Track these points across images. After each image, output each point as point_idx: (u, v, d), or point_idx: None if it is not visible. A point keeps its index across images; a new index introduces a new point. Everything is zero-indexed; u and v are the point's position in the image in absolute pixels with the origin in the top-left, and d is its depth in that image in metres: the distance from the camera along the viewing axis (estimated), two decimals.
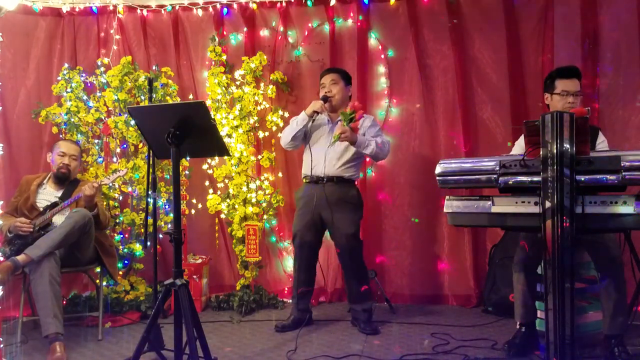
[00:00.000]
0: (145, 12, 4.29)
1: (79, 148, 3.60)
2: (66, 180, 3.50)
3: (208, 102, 4.03)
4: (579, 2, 3.76)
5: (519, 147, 2.98)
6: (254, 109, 4.03)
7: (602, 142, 2.87)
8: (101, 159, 4.02)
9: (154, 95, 3.91)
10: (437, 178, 2.37)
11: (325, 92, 3.43)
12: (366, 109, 4.07)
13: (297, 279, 3.51)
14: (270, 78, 4.10)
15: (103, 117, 4.00)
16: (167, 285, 2.35)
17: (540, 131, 2.08)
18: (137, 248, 3.90)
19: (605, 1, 3.73)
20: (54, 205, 3.35)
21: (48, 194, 3.47)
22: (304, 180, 3.48)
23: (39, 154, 4.13)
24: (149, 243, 3.37)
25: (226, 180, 4.06)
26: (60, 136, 3.95)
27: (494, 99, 3.93)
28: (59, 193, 3.47)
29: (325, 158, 3.38)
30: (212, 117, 2.51)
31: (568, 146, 2.02)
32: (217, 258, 4.28)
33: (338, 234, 3.38)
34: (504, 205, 2.23)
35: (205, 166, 4.17)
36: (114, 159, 4.03)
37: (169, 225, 3.93)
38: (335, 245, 3.47)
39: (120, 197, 4.02)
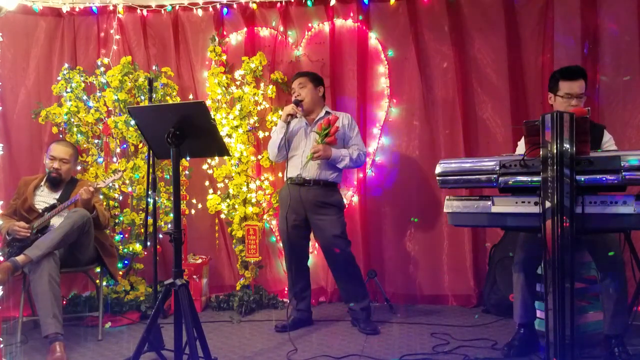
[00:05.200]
0: (145, 12, 4.28)
1: (71, 150, 3.53)
2: (60, 183, 3.49)
3: (208, 102, 4.03)
4: (579, 2, 3.75)
5: (521, 147, 2.97)
6: (254, 109, 4.03)
7: (608, 141, 2.85)
8: (101, 159, 4.01)
9: (154, 95, 3.91)
10: (437, 178, 2.37)
11: (295, 97, 3.46)
12: (366, 109, 4.08)
13: (291, 280, 3.52)
14: (270, 78, 4.10)
15: (103, 117, 4.00)
16: (167, 285, 2.35)
17: (540, 131, 2.08)
18: (137, 248, 3.90)
19: (605, 1, 3.72)
20: (52, 207, 3.35)
21: (45, 195, 3.46)
22: (288, 182, 3.44)
23: (39, 154, 4.12)
24: (149, 243, 3.37)
25: (226, 180, 4.06)
26: (60, 136, 3.95)
27: (494, 99, 3.93)
28: (57, 195, 3.46)
29: (307, 162, 3.36)
30: (212, 117, 2.50)
31: (568, 146, 2.02)
32: (217, 258, 4.27)
33: (324, 236, 3.38)
34: (504, 205, 2.23)
35: (205, 166, 4.16)
36: (114, 159, 4.03)
37: (169, 225, 3.93)
38: (322, 248, 3.46)
39: (120, 197, 4.02)
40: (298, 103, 3.43)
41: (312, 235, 3.54)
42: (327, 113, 3.48)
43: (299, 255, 3.50)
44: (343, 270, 3.43)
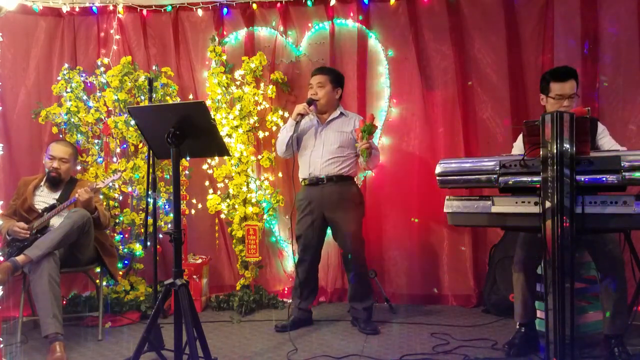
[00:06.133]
0: (145, 12, 4.29)
1: (70, 150, 3.52)
2: (60, 183, 3.49)
3: (208, 102, 4.03)
4: (579, 2, 3.75)
5: (517, 148, 2.97)
6: (254, 109, 4.03)
7: (602, 132, 2.86)
8: (101, 159, 4.01)
9: (154, 95, 3.91)
10: (437, 178, 2.37)
11: (311, 95, 3.43)
12: (366, 109, 4.07)
13: (299, 279, 3.51)
14: (270, 78, 4.09)
15: (103, 117, 4.00)
16: (167, 285, 2.35)
17: (540, 131, 2.08)
18: (137, 248, 3.90)
19: (605, 1, 3.72)
20: (52, 207, 3.34)
21: (45, 195, 3.46)
22: (303, 183, 3.47)
23: (39, 154, 4.12)
24: (149, 243, 3.37)
25: (226, 180, 4.06)
26: (60, 136, 3.95)
27: (494, 99, 3.93)
28: (56, 195, 3.45)
29: (320, 159, 3.38)
30: (212, 117, 2.50)
31: (568, 146, 2.02)
32: (217, 258, 4.27)
33: (341, 234, 3.40)
34: (504, 205, 2.23)
35: (205, 166, 4.16)
36: (114, 159, 4.03)
37: (169, 225, 3.93)
38: (339, 245, 3.48)
39: (120, 197, 4.02)
40: (312, 102, 3.40)
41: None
42: (342, 114, 3.48)
43: (313, 257, 3.50)
44: (354, 269, 3.43)
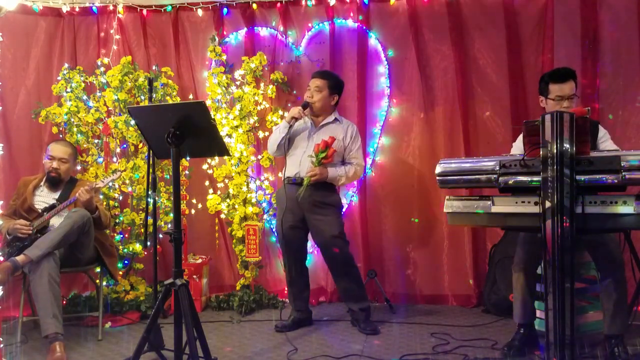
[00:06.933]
0: (145, 12, 4.29)
1: (69, 150, 3.52)
2: (60, 183, 3.49)
3: (208, 102, 4.03)
4: (579, 2, 3.75)
5: (516, 148, 2.97)
6: (254, 109, 4.03)
7: (603, 136, 2.85)
8: (101, 159, 4.01)
9: (154, 95, 3.91)
10: (437, 178, 2.37)
11: (307, 97, 3.44)
12: (366, 109, 4.08)
13: (289, 280, 3.52)
14: (270, 78, 4.09)
15: (103, 117, 4.00)
16: (167, 285, 2.35)
17: (540, 131, 2.08)
18: (137, 248, 3.90)
19: (605, 1, 3.73)
20: (52, 207, 3.34)
21: (45, 195, 3.46)
22: (287, 182, 3.42)
23: (39, 154, 4.11)
24: (149, 243, 3.37)
25: (226, 180, 4.06)
26: (60, 136, 3.95)
27: (494, 99, 3.93)
28: (56, 194, 3.45)
29: (307, 162, 3.36)
30: (212, 117, 2.50)
31: (568, 146, 2.02)
32: (217, 258, 4.27)
33: (323, 236, 3.37)
34: (504, 205, 2.23)
35: (205, 166, 4.16)
36: (114, 159, 4.03)
37: (169, 225, 3.93)
38: (320, 248, 3.46)
39: (120, 197, 4.02)
40: (306, 106, 3.40)
41: (309, 235, 3.53)
42: (336, 120, 3.47)
43: (297, 256, 3.49)
44: (341, 271, 3.43)
